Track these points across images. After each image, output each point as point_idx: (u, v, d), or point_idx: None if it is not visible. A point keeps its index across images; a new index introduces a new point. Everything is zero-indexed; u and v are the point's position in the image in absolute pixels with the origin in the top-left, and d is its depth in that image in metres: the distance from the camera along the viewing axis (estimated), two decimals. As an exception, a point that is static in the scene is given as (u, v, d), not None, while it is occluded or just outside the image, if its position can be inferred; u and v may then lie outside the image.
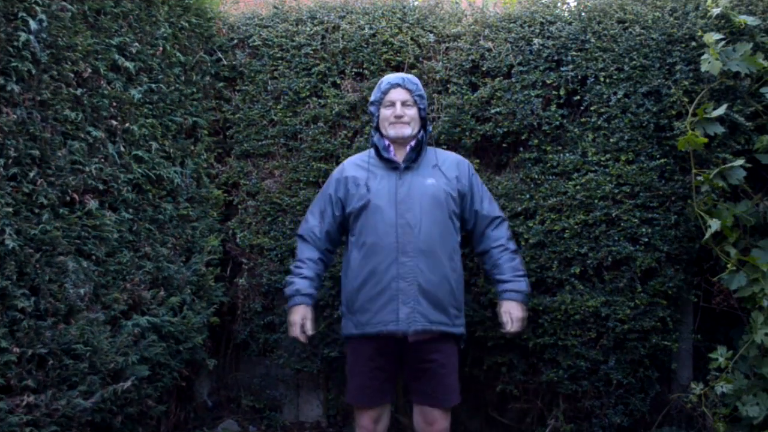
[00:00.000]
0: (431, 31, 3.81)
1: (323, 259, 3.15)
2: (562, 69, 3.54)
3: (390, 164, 3.03)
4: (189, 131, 3.68)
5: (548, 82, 3.55)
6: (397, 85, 3.01)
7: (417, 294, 2.89)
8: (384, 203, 2.95)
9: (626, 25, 3.51)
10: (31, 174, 2.50)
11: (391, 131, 3.01)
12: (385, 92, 3.02)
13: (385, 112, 3.03)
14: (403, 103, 3.00)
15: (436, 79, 3.74)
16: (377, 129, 3.09)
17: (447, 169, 3.06)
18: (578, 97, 3.56)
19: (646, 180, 3.43)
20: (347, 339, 3.09)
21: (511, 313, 3.03)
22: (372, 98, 3.09)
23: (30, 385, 2.48)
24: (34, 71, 2.50)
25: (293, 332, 3.06)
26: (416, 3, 4.01)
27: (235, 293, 4.00)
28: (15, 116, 2.41)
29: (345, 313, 3.08)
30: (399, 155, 3.05)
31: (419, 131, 3.06)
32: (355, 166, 3.11)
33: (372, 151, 3.10)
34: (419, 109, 3.04)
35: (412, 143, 3.04)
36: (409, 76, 3.07)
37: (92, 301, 2.82)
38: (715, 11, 3.31)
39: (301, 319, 3.05)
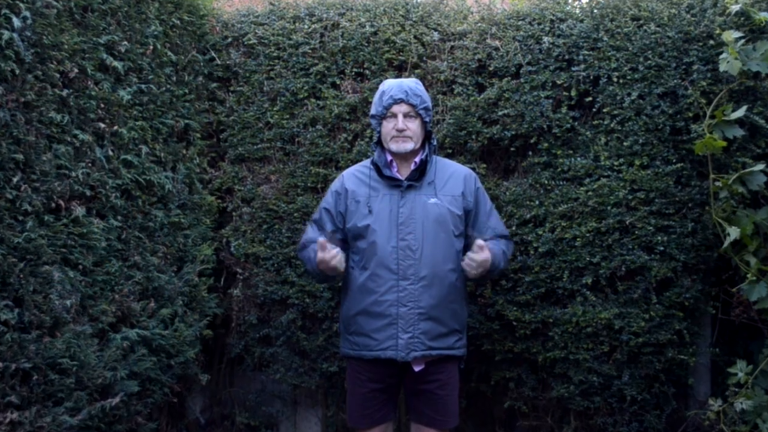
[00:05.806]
0: (435, 29, 3.79)
1: None
2: (573, 69, 3.52)
3: (392, 181, 2.97)
4: (181, 134, 3.67)
5: (559, 82, 3.53)
6: (401, 100, 2.88)
7: (417, 320, 2.86)
8: (385, 225, 2.89)
9: (641, 22, 3.49)
10: (15, 179, 2.49)
11: (393, 146, 2.92)
12: (388, 107, 2.91)
13: (387, 125, 2.93)
14: (406, 115, 2.90)
15: (441, 80, 3.72)
16: (379, 143, 3.01)
17: (453, 185, 2.98)
18: (590, 99, 3.53)
19: (662, 186, 3.41)
20: (346, 358, 3.10)
21: (481, 250, 2.78)
22: (372, 111, 2.98)
23: (13, 401, 2.48)
24: (17, 71, 2.50)
25: (323, 257, 2.78)
26: None
27: (229, 305, 3.99)
28: (-3, 118, 2.43)
29: (342, 332, 3.08)
30: (402, 171, 2.99)
31: (424, 146, 3.00)
32: (356, 179, 3.03)
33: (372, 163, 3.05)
34: (423, 123, 2.95)
35: (417, 160, 2.97)
36: (413, 85, 2.94)
37: (79, 313, 2.82)
38: (735, 8, 3.30)
39: (320, 248, 2.78)
